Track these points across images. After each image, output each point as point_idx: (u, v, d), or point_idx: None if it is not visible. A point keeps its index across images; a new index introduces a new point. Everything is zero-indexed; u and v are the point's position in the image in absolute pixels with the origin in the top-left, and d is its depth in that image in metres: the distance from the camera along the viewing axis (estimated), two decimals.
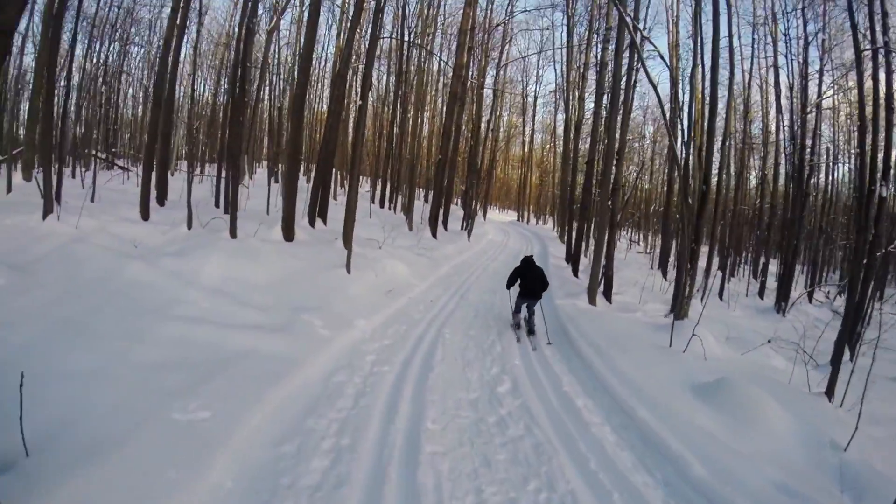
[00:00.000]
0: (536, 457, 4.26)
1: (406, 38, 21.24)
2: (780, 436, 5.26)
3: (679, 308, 11.33)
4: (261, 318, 6.46)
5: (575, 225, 19.57)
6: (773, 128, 22.74)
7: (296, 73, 21.69)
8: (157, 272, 7.19)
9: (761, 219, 23.96)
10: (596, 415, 5.40)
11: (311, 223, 13.70)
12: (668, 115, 11.71)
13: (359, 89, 11.06)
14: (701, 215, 11.53)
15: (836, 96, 21.10)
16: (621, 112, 11.11)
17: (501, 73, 24.40)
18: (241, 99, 10.74)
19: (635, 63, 12.52)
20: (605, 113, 16.33)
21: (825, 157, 23.39)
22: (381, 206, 27.14)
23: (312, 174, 16.83)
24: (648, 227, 36.89)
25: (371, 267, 10.18)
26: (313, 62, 32.18)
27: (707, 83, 11.91)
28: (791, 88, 18.69)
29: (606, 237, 11.30)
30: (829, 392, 7.37)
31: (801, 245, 19.50)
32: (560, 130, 36.43)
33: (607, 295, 12.22)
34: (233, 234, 9.88)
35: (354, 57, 19.70)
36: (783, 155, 21.43)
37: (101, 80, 25.67)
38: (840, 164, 25.05)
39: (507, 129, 42.85)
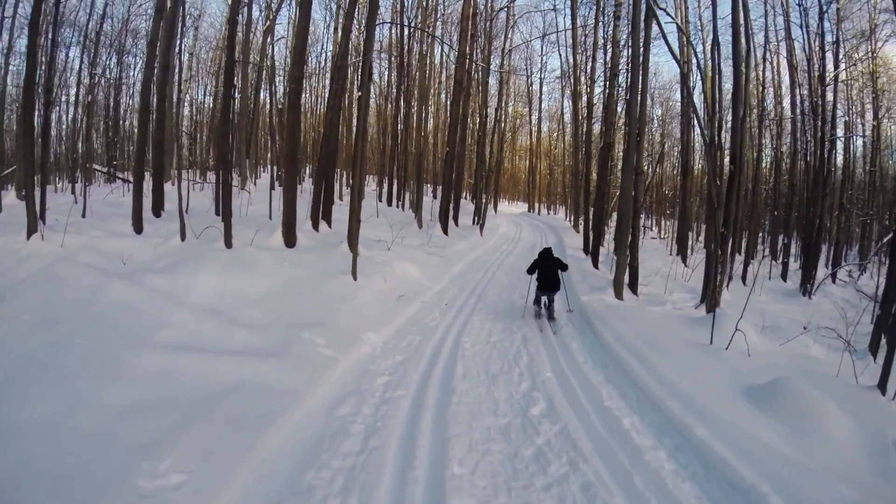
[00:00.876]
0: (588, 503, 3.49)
1: (406, 24, 20.47)
2: (842, 443, 4.58)
3: (710, 298, 10.51)
4: (255, 340, 5.73)
5: (591, 213, 18.75)
6: (786, 103, 21.73)
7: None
8: (143, 292, 6.52)
9: (777, 198, 22.93)
10: (646, 436, 4.61)
11: (315, 226, 12.98)
12: (693, 90, 10.80)
13: (360, 82, 10.31)
14: (731, 197, 10.69)
15: (848, 69, 20.01)
16: (640, 91, 10.23)
17: (506, 60, 23.47)
18: (228, 97, 10.01)
19: (651, 38, 11.61)
20: (620, 93, 15.47)
21: (843, 130, 22.20)
22: (389, 204, 26.41)
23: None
24: (661, 211, 35.84)
25: (379, 271, 9.44)
26: (310, 58, 31.58)
27: (730, 52, 10.98)
28: (809, 61, 17.56)
29: (631, 226, 10.45)
30: (882, 385, 6.54)
31: (825, 224, 18.38)
32: (568, 116, 35.51)
33: (633, 287, 11.38)
34: (227, 243, 9.14)
35: (353, 53, 18.96)
36: (799, 131, 20.40)
37: (99, 92, 25.11)
38: (856, 138, 23.79)
39: (512, 118, 41.89)
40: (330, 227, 13.58)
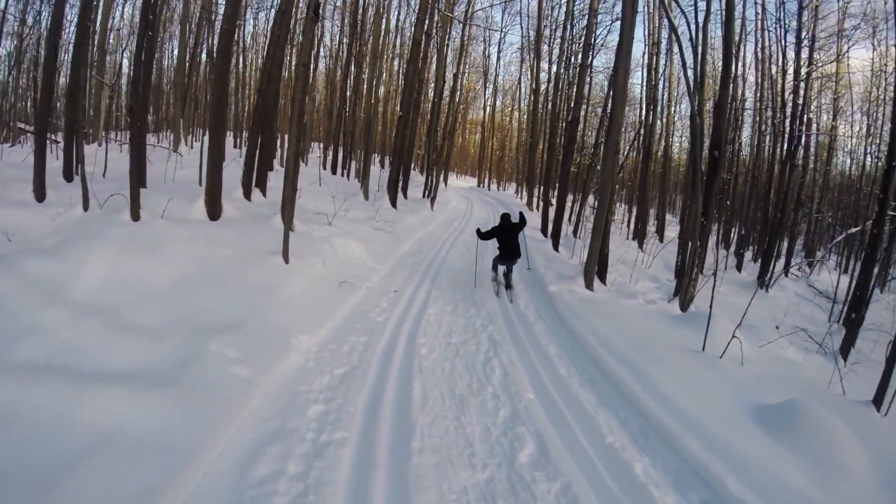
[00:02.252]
0: None
1: None
2: (860, 476, 4.02)
3: (685, 293, 9.66)
4: (146, 354, 4.19)
5: (546, 191, 17.72)
6: (749, 94, 21.38)
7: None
8: (14, 281, 4.93)
9: (734, 189, 22.76)
10: (666, 489, 3.55)
11: (247, 195, 11.20)
12: (690, 69, 9.73)
13: (304, 21, 8.58)
14: (712, 185, 9.78)
15: (819, 68, 19.77)
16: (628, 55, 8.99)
17: (466, 27, 21.77)
18: (143, 35, 8.06)
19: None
20: (592, 67, 14.30)
21: (806, 127, 22.23)
22: (334, 172, 24.51)
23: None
24: (630, 197, 35.70)
25: (317, 250, 7.91)
26: (260, 12, 28.83)
27: (719, 31, 9.99)
28: (784, 55, 17.05)
29: (606, 210, 9.33)
30: (878, 401, 5.82)
31: (789, 218, 18.21)
32: (525, 90, 34.32)
33: (601, 275, 10.38)
34: (134, 214, 7.32)
35: None
36: (764, 124, 20.08)
37: (29, 45, 21.70)
38: (818, 137, 23.92)
39: (465, 91, 40.34)
40: (265, 195, 11.81)
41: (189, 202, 8.55)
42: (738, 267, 18.85)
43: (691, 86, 9.82)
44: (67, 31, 17.56)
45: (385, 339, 5.76)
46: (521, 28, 32.90)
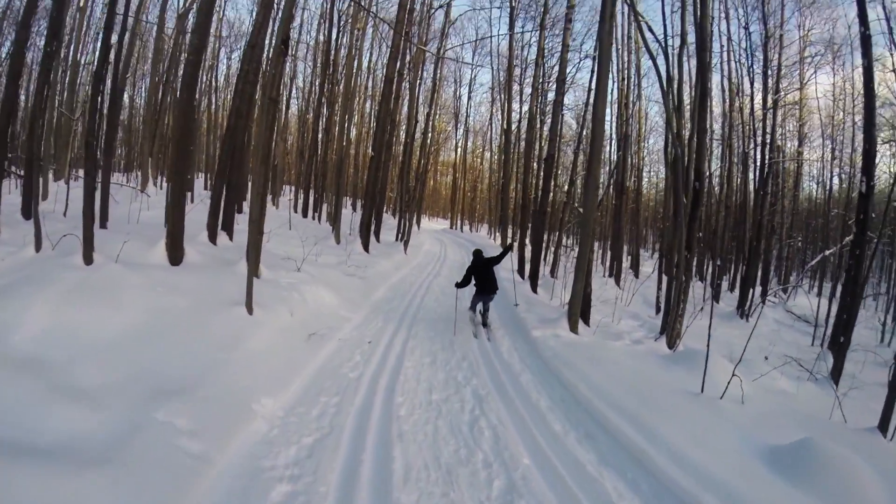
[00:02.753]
0: None
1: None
2: None
3: (671, 330, 9.37)
4: (84, 424, 3.58)
5: (523, 231, 17.50)
6: (716, 126, 21.87)
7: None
8: None
9: (707, 220, 23.02)
10: None
11: (212, 238, 10.61)
12: (669, 98, 9.68)
13: (272, 53, 8.21)
14: (694, 217, 9.66)
15: (784, 96, 20.46)
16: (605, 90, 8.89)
17: (437, 68, 21.92)
18: (103, 63, 7.57)
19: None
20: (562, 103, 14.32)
21: (778, 154, 22.86)
22: (305, 215, 24.00)
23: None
24: (602, 233, 35.95)
25: (285, 299, 7.34)
26: (233, 52, 28.61)
27: (694, 63, 10.07)
28: (752, 84, 17.60)
29: (588, 249, 9.04)
30: (884, 426, 5.72)
31: (763, 246, 18.42)
32: (497, 130, 34.70)
33: (585, 317, 10.03)
34: (86, 257, 6.71)
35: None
36: (734, 153, 20.55)
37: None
38: (785, 164, 24.61)
39: (436, 132, 40.70)
40: (231, 239, 11.23)
41: (150, 245, 7.96)
42: (716, 297, 18.83)
43: (671, 111, 9.74)
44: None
45: (360, 399, 5.20)
46: (492, 68, 33.30)
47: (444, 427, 4.77)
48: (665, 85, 9.65)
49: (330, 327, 7.31)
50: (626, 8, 18.70)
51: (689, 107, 11.15)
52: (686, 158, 9.57)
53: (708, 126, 17.24)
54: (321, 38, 22.29)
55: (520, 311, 10.26)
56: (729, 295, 20.22)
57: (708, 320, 13.02)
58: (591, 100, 17.27)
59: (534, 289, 13.69)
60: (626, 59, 19.20)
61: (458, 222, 45.90)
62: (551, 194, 15.73)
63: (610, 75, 19.71)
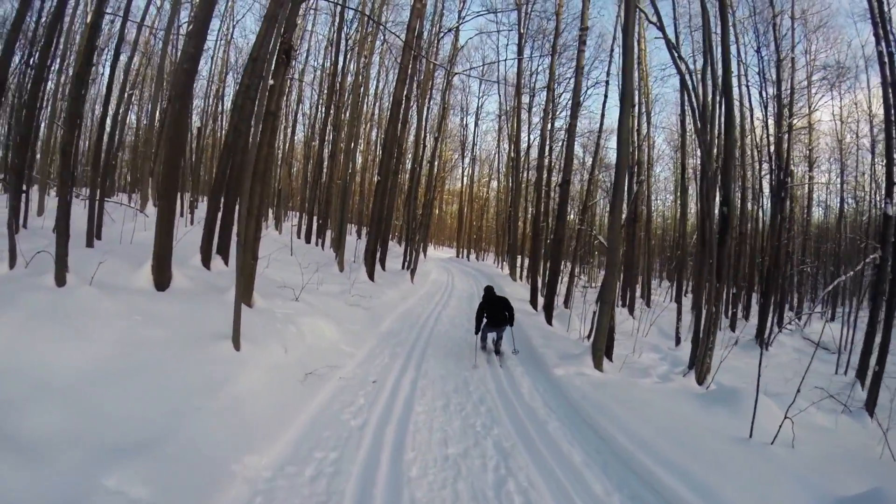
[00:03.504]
0: None
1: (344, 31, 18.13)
2: None
3: (701, 365, 8.54)
4: (22, 487, 2.80)
5: (535, 261, 16.74)
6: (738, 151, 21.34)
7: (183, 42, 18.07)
8: None
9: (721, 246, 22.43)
10: None
11: (206, 262, 9.88)
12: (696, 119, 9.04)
13: (273, 65, 7.59)
14: (724, 244, 8.90)
15: (793, 120, 20.08)
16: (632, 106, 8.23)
17: (446, 93, 21.48)
18: (86, 71, 6.99)
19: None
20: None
21: (793, 178, 22.51)
22: (308, 241, 23.29)
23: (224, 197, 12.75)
24: (590, 259, 35.23)
25: (279, 333, 6.54)
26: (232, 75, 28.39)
27: (717, 82, 9.45)
28: (766, 107, 17.13)
29: (615, 279, 8.26)
30: None
31: (782, 273, 17.79)
32: (504, 158, 34.30)
33: (608, 352, 9.17)
34: (59, 278, 5.96)
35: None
36: (749, 178, 20.05)
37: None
38: (796, 188, 24.17)
39: (442, 161, 40.39)
40: (227, 264, 10.46)
41: (136, 267, 7.19)
42: (732, 327, 18.07)
43: (698, 133, 9.08)
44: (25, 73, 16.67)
45: (363, 455, 4.35)
46: (499, 95, 33.04)
47: (465, 491, 3.93)
48: (694, 106, 9.02)
49: (330, 365, 6.48)
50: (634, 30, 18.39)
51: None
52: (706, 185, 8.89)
53: (736, 149, 16.86)
54: (328, 62, 21.94)
55: (537, 345, 9.42)
56: (743, 322, 19.29)
57: (723, 349, 12.40)
58: (602, 125, 16.83)
59: (549, 320, 12.86)
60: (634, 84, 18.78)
61: (465, 251, 45.21)
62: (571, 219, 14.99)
63: (615, 105, 19.28)
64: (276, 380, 5.39)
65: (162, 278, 7.35)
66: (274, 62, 7.37)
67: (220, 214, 10.11)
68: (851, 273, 15.30)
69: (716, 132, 10.45)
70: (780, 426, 5.19)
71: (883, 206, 13.09)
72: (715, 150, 10.49)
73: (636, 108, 18.77)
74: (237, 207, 7.97)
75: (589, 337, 10.85)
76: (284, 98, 28.61)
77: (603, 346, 8.17)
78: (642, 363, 9.91)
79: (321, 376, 5.96)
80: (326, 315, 8.22)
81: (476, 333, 8.74)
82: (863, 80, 20.50)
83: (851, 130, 22.42)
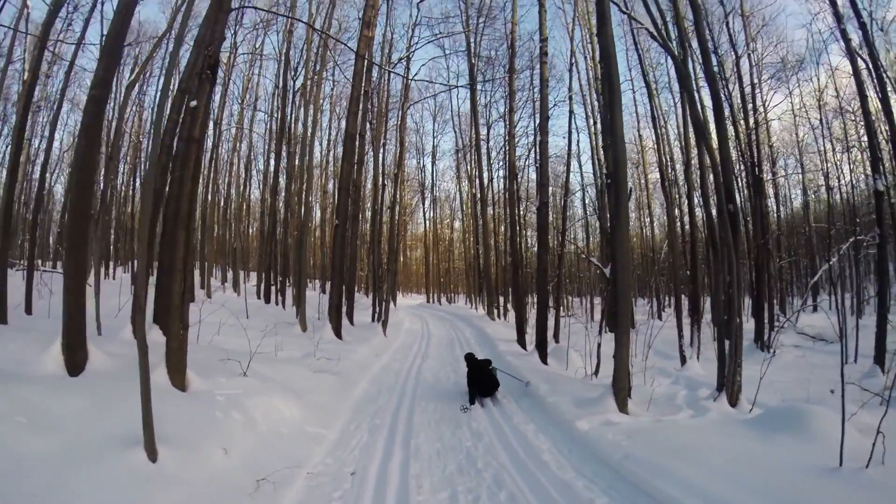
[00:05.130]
0: None
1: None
2: None
3: (732, 385, 7.31)
4: None
5: (518, 296, 15.47)
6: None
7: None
8: None
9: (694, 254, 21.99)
10: None
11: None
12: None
13: (195, 74, 6.18)
14: (736, 245, 7.83)
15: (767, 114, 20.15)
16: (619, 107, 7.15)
17: (403, 128, 20.45)
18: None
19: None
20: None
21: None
22: (268, 300, 21.47)
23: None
24: (580, 288, 34.59)
25: (220, 425, 4.90)
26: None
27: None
28: (744, 104, 16.82)
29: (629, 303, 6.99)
30: None
31: (767, 272, 17.34)
32: (466, 196, 33.41)
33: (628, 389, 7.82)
34: None
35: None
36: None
37: None
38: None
39: (403, 207, 39.44)
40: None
41: (42, 347, 5.51)
42: (727, 335, 17.06)
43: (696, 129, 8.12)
44: None
45: None
46: (455, 132, 32.37)
47: None
48: (686, 102, 8.06)
49: (291, 459, 4.85)
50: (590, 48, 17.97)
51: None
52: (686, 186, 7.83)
53: (688, 160, 16.36)
54: (276, 107, 20.73)
55: (544, 392, 7.95)
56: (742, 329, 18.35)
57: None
58: (570, 141, 16.02)
59: (543, 359, 11.43)
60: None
61: (435, 295, 43.71)
62: (552, 246, 13.82)
63: (580, 117, 18.61)
64: (211, 499, 3.77)
65: (74, 359, 5.64)
66: (197, 80, 6.04)
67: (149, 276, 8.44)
68: (835, 259, 15.12)
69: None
70: (874, 443, 4.00)
71: (872, 182, 12.76)
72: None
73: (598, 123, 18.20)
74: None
75: (596, 373, 9.48)
76: (236, 149, 27.26)
77: (626, 384, 6.80)
78: (660, 394, 8.56)
79: (279, 481, 4.34)
80: (286, 389, 6.60)
81: (472, 404, 7.68)
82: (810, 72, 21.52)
83: (807, 122, 23.53)
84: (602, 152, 18.70)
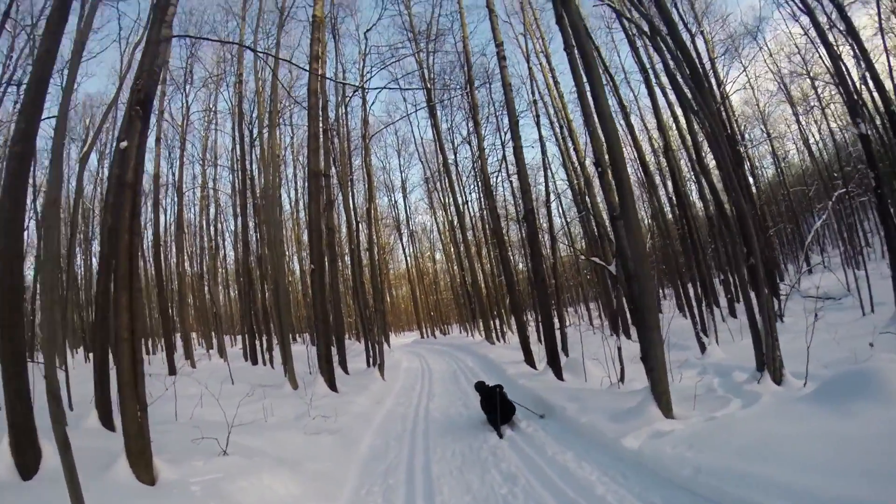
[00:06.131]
0: None
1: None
2: None
3: (772, 361, 6.49)
4: None
5: (519, 313, 14.65)
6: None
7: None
8: None
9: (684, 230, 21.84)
10: None
11: (106, 421, 7.28)
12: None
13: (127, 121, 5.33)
14: (752, 213, 7.15)
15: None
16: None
17: (368, 159, 19.76)
18: None
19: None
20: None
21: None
22: (255, 362, 20.28)
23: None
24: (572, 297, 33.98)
25: None
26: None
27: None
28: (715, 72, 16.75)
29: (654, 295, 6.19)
30: None
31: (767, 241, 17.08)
32: (441, 224, 32.77)
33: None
34: None
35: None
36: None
37: None
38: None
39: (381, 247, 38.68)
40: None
41: None
42: (732, 313, 16.55)
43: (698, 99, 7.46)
44: None
45: None
46: (423, 162, 31.87)
47: None
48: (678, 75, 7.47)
49: None
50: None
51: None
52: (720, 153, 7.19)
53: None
54: (236, 160, 20.01)
55: (571, 411, 7.04)
56: (739, 305, 17.65)
57: (733, 337, 10.79)
58: (544, 146, 15.43)
59: (558, 376, 10.51)
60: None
61: (427, 330, 42.60)
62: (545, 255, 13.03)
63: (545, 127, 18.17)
64: None
65: (24, 459, 4.64)
66: (127, 119, 5.22)
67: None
68: (826, 214, 15.11)
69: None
70: None
71: (855, 127, 12.46)
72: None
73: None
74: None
75: (621, 380, 8.58)
76: (203, 211, 26.27)
77: (667, 386, 5.92)
78: (692, 386, 7.66)
79: None
80: (278, 461, 5.58)
81: (499, 433, 7.07)
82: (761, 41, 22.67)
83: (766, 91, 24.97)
84: (575, 155, 18.29)
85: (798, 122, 24.95)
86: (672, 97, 16.45)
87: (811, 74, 20.56)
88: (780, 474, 3.63)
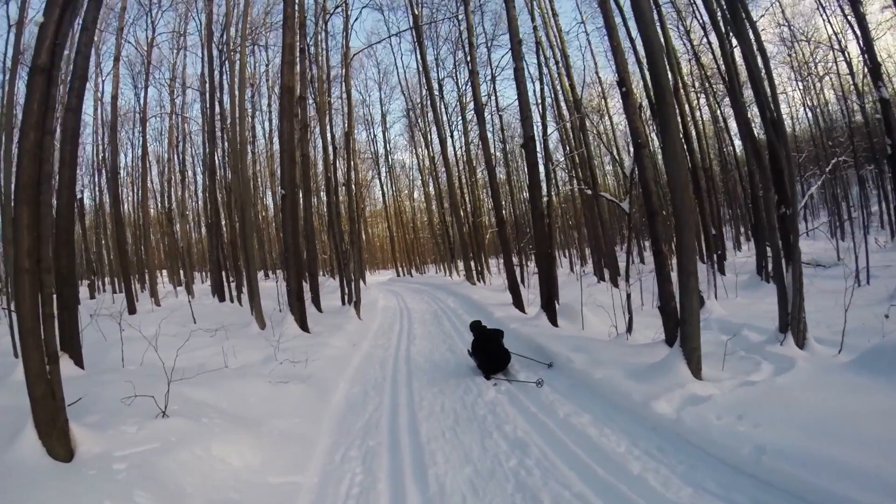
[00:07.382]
0: None
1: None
2: None
3: (798, 323, 5.66)
4: None
5: (508, 254, 13.74)
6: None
7: None
8: None
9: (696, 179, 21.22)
10: None
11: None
12: None
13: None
14: (787, 154, 6.14)
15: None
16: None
17: (346, 74, 18.01)
18: None
19: None
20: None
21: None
22: (222, 299, 19.25)
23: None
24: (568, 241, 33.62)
25: None
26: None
27: None
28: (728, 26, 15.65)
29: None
30: None
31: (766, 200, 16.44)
32: (423, 158, 31.32)
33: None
34: None
35: None
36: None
37: None
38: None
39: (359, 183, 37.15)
40: (81, 365, 6.62)
41: None
42: (721, 269, 15.99)
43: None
44: None
45: None
46: (405, 95, 30.02)
47: None
48: None
49: None
50: None
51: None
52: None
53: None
54: (204, 81, 18.19)
55: (578, 363, 6.19)
56: (731, 266, 17.14)
57: (733, 295, 10.09)
58: (542, 76, 14.04)
59: (553, 321, 9.70)
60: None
61: (404, 268, 41.81)
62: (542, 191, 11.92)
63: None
64: None
65: None
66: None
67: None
68: (823, 177, 14.76)
69: None
70: None
71: (876, 92, 12.20)
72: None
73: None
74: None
75: (629, 331, 7.74)
76: (172, 143, 24.34)
77: (699, 341, 5.02)
78: (713, 345, 6.90)
79: None
80: (236, 421, 4.59)
81: (488, 379, 6.58)
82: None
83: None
84: (573, 92, 17.20)
85: (800, 87, 24.64)
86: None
87: (814, 39, 20.57)
88: (864, 459, 2.86)
